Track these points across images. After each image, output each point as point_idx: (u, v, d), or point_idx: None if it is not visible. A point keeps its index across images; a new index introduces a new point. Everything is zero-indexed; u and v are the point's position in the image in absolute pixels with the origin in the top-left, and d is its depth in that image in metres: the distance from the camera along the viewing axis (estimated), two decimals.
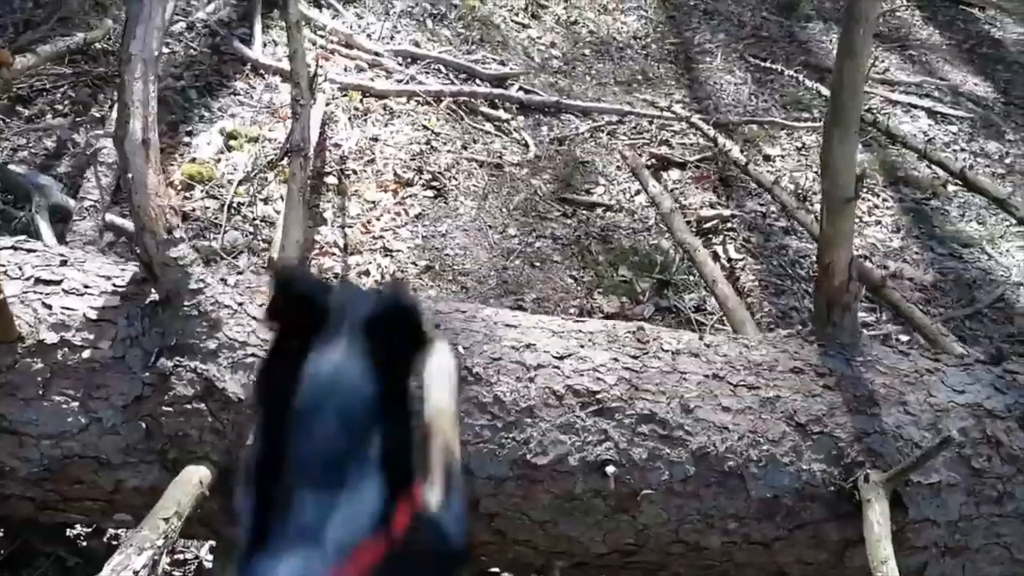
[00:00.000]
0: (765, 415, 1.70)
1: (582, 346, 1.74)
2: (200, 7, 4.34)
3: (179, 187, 3.25)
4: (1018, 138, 4.80)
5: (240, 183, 3.32)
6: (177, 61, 4.00)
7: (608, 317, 3.08)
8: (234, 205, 3.22)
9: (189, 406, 1.53)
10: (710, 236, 3.63)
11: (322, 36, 4.38)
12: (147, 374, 1.55)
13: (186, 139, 3.52)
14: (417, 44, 4.51)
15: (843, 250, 1.80)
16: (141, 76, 1.60)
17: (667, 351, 1.77)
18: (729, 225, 3.70)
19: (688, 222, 3.65)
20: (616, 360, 1.71)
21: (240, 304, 1.61)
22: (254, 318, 1.60)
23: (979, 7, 6.32)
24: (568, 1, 5.51)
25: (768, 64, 5.06)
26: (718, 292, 2.34)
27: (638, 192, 3.75)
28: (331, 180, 3.49)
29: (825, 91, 4.66)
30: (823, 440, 1.69)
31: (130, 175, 1.56)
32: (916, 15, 6.13)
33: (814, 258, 3.58)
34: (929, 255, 3.75)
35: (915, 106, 4.88)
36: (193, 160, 3.38)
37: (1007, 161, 4.56)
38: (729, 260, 3.51)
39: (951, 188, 4.20)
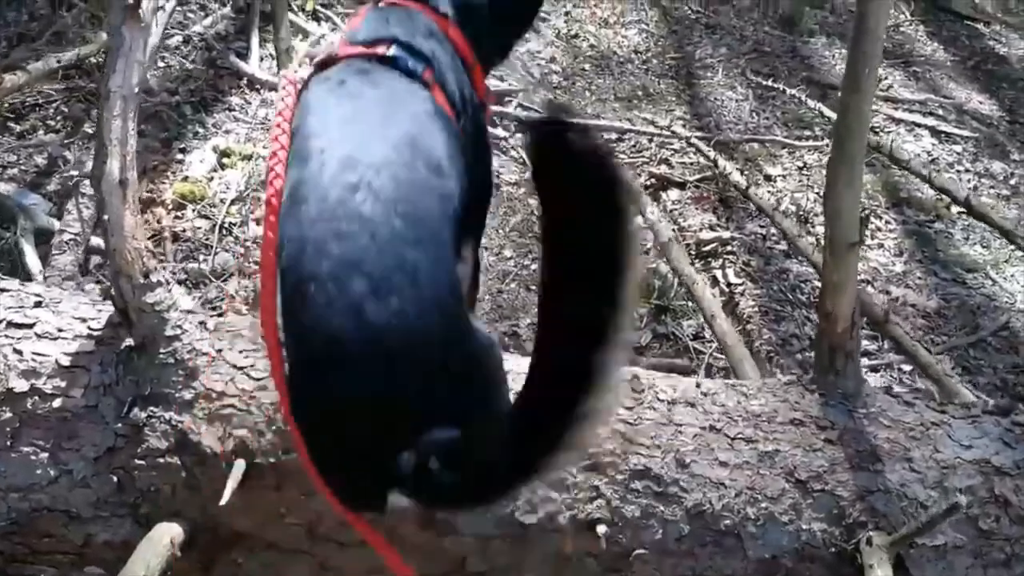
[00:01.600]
0: (764, 470, 1.63)
1: None
2: (197, 20, 4.28)
3: (170, 206, 3.18)
4: (1023, 158, 4.73)
5: (232, 202, 3.25)
6: (172, 75, 3.94)
7: None
8: (226, 225, 3.15)
9: (162, 460, 1.46)
10: (709, 260, 3.56)
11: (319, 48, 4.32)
12: (120, 425, 1.48)
13: (179, 156, 3.45)
14: None
15: (846, 296, 1.73)
16: (120, 113, 1.53)
17: (663, 401, 1.70)
18: (729, 248, 3.62)
19: (687, 245, 3.58)
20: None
21: (219, 351, 1.54)
22: (234, 366, 1.53)
23: (984, 22, 6.24)
24: (569, 14, 5.44)
25: (770, 83, 4.98)
26: (717, 328, 2.27)
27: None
28: None
29: (828, 112, 4.59)
30: (824, 498, 1.61)
31: (106, 216, 1.49)
32: (920, 30, 6.06)
33: (815, 283, 3.53)
34: (932, 280, 3.67)
35: (919, 125, 4.80)
36: (186, 178, 3.31)
37: (1012, 182, 4.48)
38: (728, 285, 3.43)
39: (955, 210, 4.12)
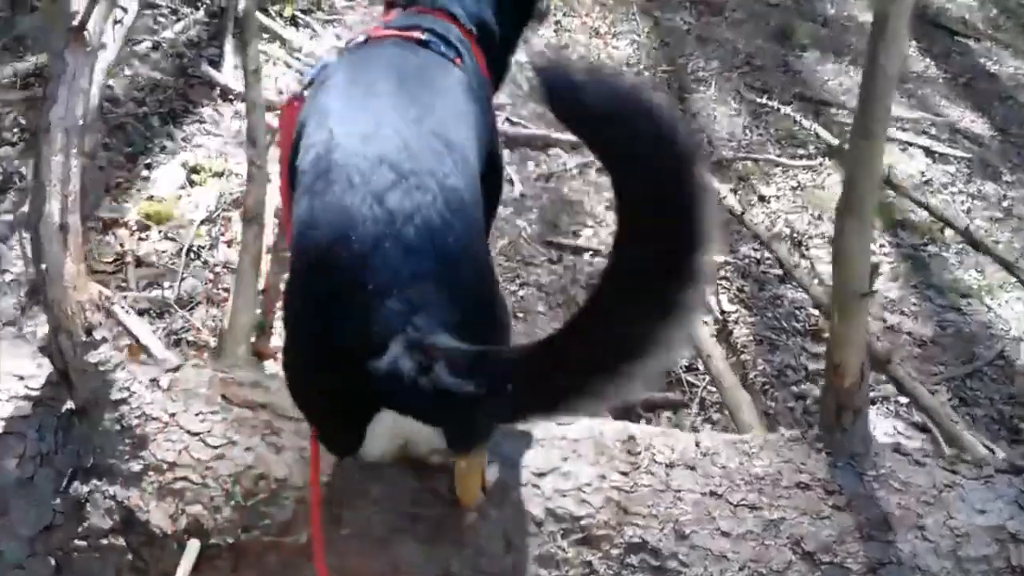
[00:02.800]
0: (768, 541, 1.51)
1: (565, 459, 1.54)
2: (168, 25, 4.11)
3: (134, 228, 3.02)
4: (1015, 179, 4.66)
5: (202, 223, 3.09)
6: (140, 84, 3.77)
7: None
8: (194, 248, 2.99)
9: (106, 540, 1.31)
10: None
11: (299, 59, 4.16)
12: (58, 500, 1.33)
13: (145, 173, 3.29)
14: None
15: (855, 349, 1.62)
16: (62, 148, 1.38)
17: (660, 463, 1.57)
18: (722, 273, 3.52)
19: None
20: (603, 477, 1.51)
21: (172, 415, 1.40)
22: (188, 432, 1.39)
23: (975, 38, 6.20)
24: (559, 23, 5.32)
25: (764, 100, 4.89)
26: (713, 368, 2.16)
27: None
28: None
29: (821, 131, 4.51)
30: (832, 571, 1.50)
31: (44, 266, 1.34)
32: (913, 45, 6.00)
33: (809, 310, 3.43)
34: (928, 306, 3.59)
35: (912, 144, 4.73)
36: (151, 197, 3.14)
37: (1004, 204, 4.42)
38: (722, 312, 3.33)
39: (948, 233, 4.04)
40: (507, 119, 4.18)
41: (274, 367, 2.63)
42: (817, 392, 3.04)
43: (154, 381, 1.46)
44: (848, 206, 1.57)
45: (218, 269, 2.93)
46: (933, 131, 4.96)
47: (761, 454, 1.64)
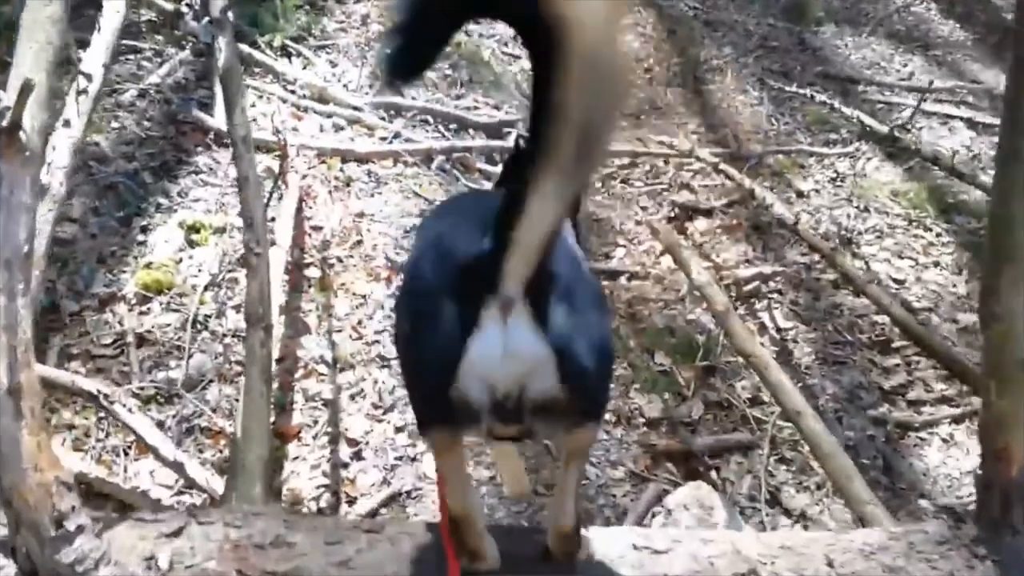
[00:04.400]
0: None
1: None
2: (152, 70, 3.77)
3: (133, 302, 2.70)
4: None
5: (206, 288, 2.76)
6: (128, 137, 3.43)
7: (650, 424, 2.54)
8: (200, 319, 2.67)
9: None
10: (752, 301, 3.09)
11: (292, 92, 3.82)
12: None
13: (140, 237, 2.95)
14: (400, 92, 3.95)
15: (1021, 427, 1.27)
16: (4, 287, 1.05)
17: None
18: (772, 285, 3.16)
19: (726, 286, 3.12)
20: None
21: None
22: None
23: None
24: None
25: (784, 86, 4.50)
26: (806, 429, 1.81)
27: (663, 253, 3.21)
28: (312, 273, 2.94)
29: (847, 110, 4.12)
30: None
31: None
32: (933, 8, 5.58)
33: (872, 318, 3.07)
34: None
35: (952, 116, 4.34)
36: (149, 265, 2.82)
37: None
38: (779, 331, 2.97)
39: None
40: (519, 135, 3.83)
41: (296, 495, 2.30)
42: (897, 415, 2.70)
43: (150, 561, 1.13)
44: (998, 252, 1.22)
45: (228, 340, 2.60)
46: (971, 100, 4.56)
47: (908, 565, 1.29)
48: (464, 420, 0.97)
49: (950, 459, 2.56)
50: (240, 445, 1.65)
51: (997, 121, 4.25)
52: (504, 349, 0.91)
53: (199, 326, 2.65)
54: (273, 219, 2.92)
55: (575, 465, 1.12)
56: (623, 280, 3.11)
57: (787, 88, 4.42)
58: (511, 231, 0.86)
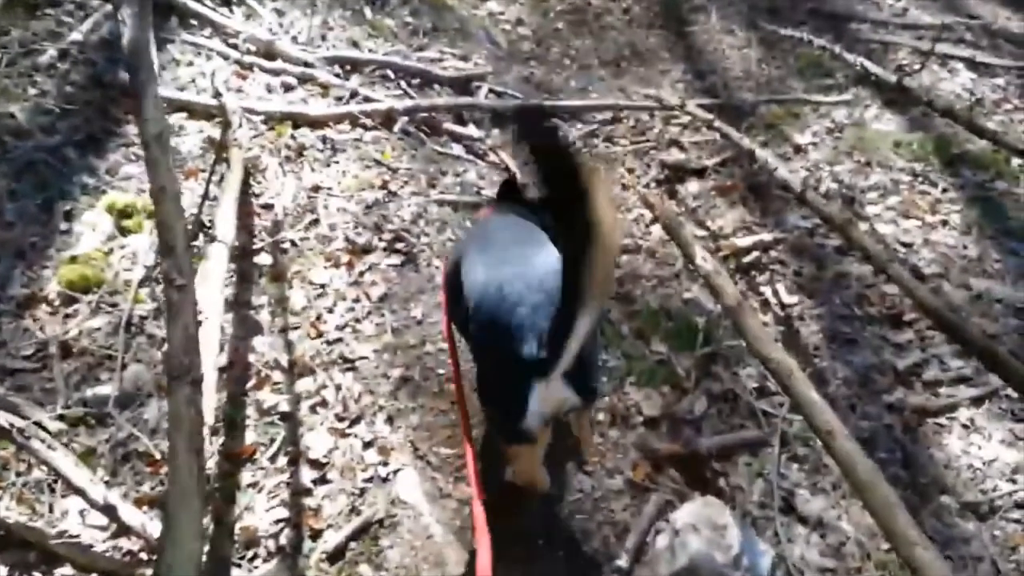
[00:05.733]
0: None
1: None
2: (74, 26, 3.25)
3: (56, 303, 2.29)
4: None
5: (141, 283, 2.36)
6: (48, 106, 2.95)
7: (649, 423, 2.24)
8: (134, 321, 2.28)
9: None
10: (753, 273, 2.77)
11: (235, 47, 3.33)
12: None
13: (63, 224, 2.53)
14: (355, 44, 3.48)
15: None
16: None
17: None
18: (773, 254, 2.83)
19: (724, 257, 2.79)
20: None
21: None
22: None
23: None
24: None
25: (776, 28, 4.08)
26: (840, 452, 1.50)
27: (654, 221, 2.86)
28: (263, 260, 2.54)
29: (849, 56, 3.73)
30: None
31: None
32: None
33: (883, 289, 2.77)
34: (1012, 262, 2.92)
35: (951, 56, 3.97)
36: (74, 259, 2.40)
37: None
38: (783, 307, 2.66)
39: (1015, 163, 3.35)
40: (491, 90, 3.39)
41: (251, 535, 1.96)
42: (913, 400, 2.42)
43: None
44: None
45: (166, 344, 2.22)
46: (969, 37, 4.19)
47: None
48: (526, 439, 1.54)
49: (972, 447, 2.30)
50: (165, 542, 1.30)
51: (999, 61, 3.91)
52: (551, 400, 1.45)
53: (134, 330, 2.26)
54: (214, 199, 2.52)
55: (585, 421, 1.96)
56: None
57: (780, 31, 4.00)
58: (561, 346, 1.36)
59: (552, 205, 1.31)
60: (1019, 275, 2.85)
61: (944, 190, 3.19)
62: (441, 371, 2.31)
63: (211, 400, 1.56)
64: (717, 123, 2.96)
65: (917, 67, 3.47)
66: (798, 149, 3.35)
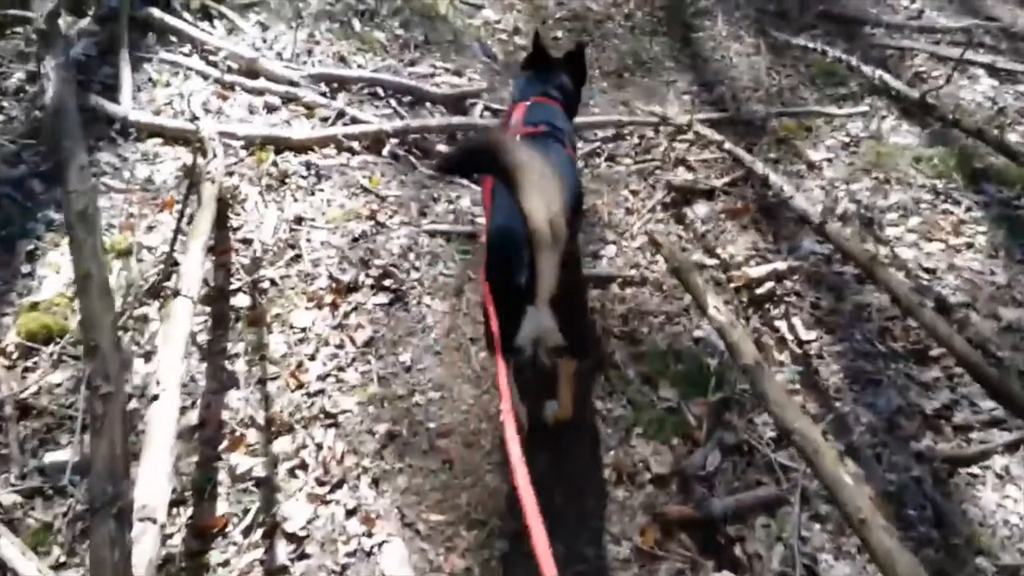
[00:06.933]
0: None
1: None
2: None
3: (14, 355, 2.09)
4: None
5: None
6: (14, 131, 2.75)
7: (657, 481, 2.02)
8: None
9: None
10: (767, 307, 2.54)
11: (215, 65, 3.11)
12: None
13: (26, 267, 2.33)
14: (343, 59, 3.25)
15: None
16: None
17: None
18: (788, 284, 2.61)
19: (736, 289, 2.57)
20: None
21: None
22: None
23: None
24: None
25: (789, 39, 3.83)
26: (875, 543, 1.28)
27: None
28: (241, 301, 2.33)
29: (866, 68, 3.47)
30: None
31: None
32: None
33: (907, 320, 2.54)
34: None
35: (970, 62, 3.71)
36: (35, 305, 2.20)
37: None
38: (800, 343, 2.44)
39: None
40: (486, 107, 3.16)
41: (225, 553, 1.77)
42: (943, 447, 2.20)
43: None
44: None
45: (135, 402, 2.02)
46: (989, 41, 3.93)
47: None
48: (520, 354, 1.73)
49: (1007, 500, 2.08)
50: None
51: (1021, 67, 3.66)
52: (537, 325, 1.67)
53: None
54: (184, 234, 2.30)
55: (568, 379, 2.01)
56: (615, 287, 2.55)
57: (792, 40, 3.76)
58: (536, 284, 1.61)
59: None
60: None
61: (968, 209, 2.96)
62: (432, 425, 2.10)
63: (151, 545, 1.30)
64: (727, 145, 2.73)
65: (941, 84, 3.20)
66: (812, 166, 3.11)
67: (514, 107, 2.14)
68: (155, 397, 1.53)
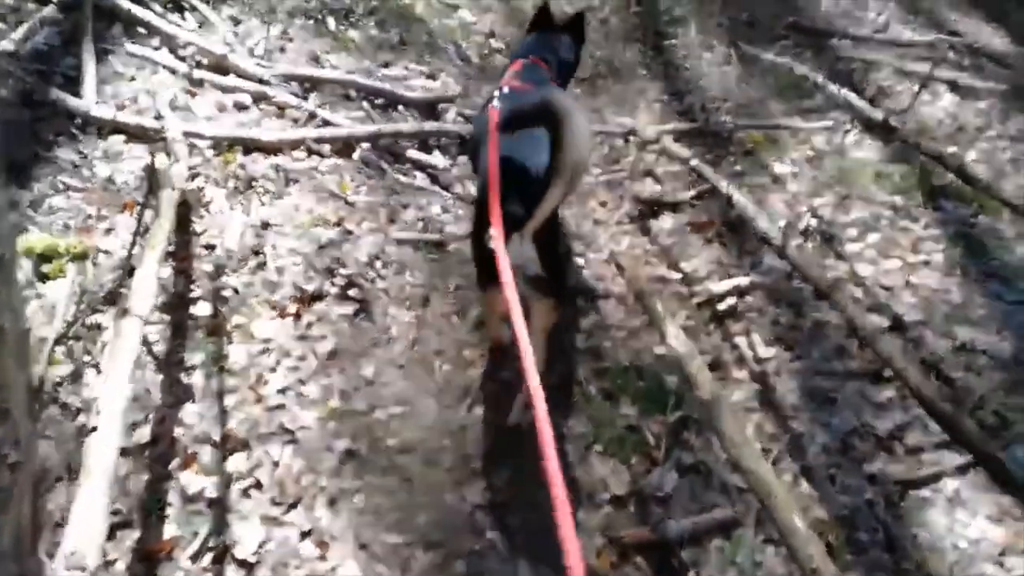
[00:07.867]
0: None
1: None
2: (5, 32, 2.83)
3: None
4: None
5: (57, 342, 2.01)
6: None
7: (615, 502, 1.94)
8: (47, 387, 1.93)
9: None
10: (728, 323, 2.46)
11: (184, 59, 2.92)
12: None
13: None
14: (316, 58, 3.08)
15: None
16: None
17: None
18: (749, 300, 2.53)
19: (697, 306, 2.48)
20: None
21: None
22: None
23: None
24: None
25: (758, 54, 3.72)
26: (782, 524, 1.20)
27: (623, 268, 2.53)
28: (202, 310, 2.19)
29: (833, 87, 3.39)
30: None
31: None
32: None
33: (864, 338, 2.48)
34: (998, 308, 2.64)
35: (934, 79, 3.64)
36: None
37: None
38: (758, 361, 2.36)
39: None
40: (459, 114, 3.02)
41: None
42: (895, 469, 2.15)
43: None
44: None
45: (84, 419, 1.88)
46: (951, 55, 3.87)
47: None
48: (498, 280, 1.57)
49: (957, 524, 2.03)
50: None
51: (982, 84, 3.60)
52: (519, 252, 1.70)
53: (45, 397, 1.91)
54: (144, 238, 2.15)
55: (542, 335, 1.95)
56: (580, 301, 2.45)
57: (761, 55, 3.65)
58: (534, 209, 1.68)
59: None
60: (1004, 323, 2.57)
61: (926, 226, 2.90)
62: (392, 441, 2.00)
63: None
64: (694, 162, 2.63)
65: (905, 107, 3.13)
66: (776, 180, 3.03)
67: (514, 62, 2.28)
68: (93, 429, 1.40)
